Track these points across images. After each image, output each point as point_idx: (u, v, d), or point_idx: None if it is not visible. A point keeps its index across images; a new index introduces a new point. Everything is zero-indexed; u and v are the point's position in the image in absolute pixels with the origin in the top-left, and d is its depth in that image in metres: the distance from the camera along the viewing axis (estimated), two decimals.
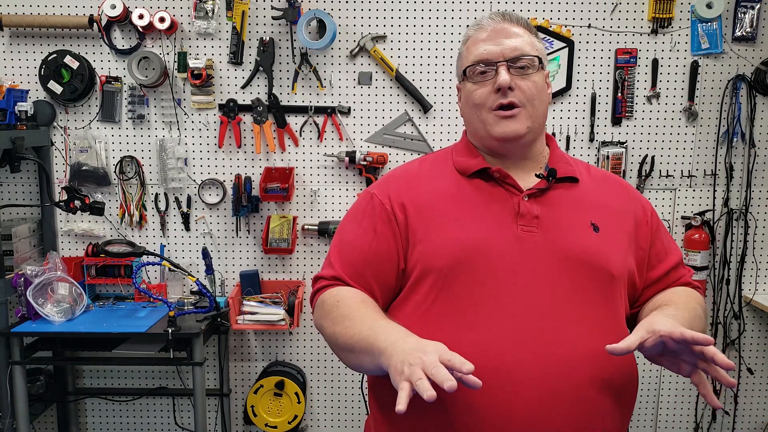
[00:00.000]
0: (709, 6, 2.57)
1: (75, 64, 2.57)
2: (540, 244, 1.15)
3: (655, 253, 1.24)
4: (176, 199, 2.72)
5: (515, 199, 1.18)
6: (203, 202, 2.72)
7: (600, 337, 1.11)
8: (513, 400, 1.07)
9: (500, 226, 1.16)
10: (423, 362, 0.89)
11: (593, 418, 1.10)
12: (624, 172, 2.69)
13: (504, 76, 1.16)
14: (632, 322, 1.23)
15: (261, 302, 2.60)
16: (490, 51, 1.18)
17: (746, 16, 2.61)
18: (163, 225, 2.73)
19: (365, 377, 1.55)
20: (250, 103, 2.62)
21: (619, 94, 2.66)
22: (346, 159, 2.64)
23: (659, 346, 1.01)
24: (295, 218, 2.70)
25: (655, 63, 2.64)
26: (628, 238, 1.21)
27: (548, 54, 2.61)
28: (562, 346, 1.09)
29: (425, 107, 2.66)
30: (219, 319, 2.51)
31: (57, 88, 2.58)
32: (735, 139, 2.69)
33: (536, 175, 1.21)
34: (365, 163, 2.64)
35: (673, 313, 1.10)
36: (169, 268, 2.52)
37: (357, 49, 2.62)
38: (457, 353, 0.98)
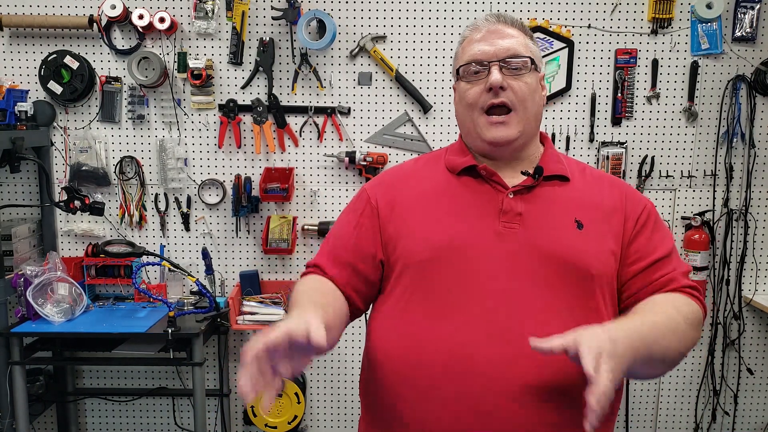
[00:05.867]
0: (709, 6, 2.57)
1: (75, 65, 2.57)
2: (521, 241, 1.16)
3: (636, 249, 1.21)
4: (176, 199, 2.72)
5: (500, 196, 1.20)
6: (203, 202, 2.72)
7: None
8: (484, 393, 1.09)
9: (482, 222, 1.18)
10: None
11: (566, 415, 1.10)
12: (624, 172, 2.69)
13: (496, 75, 1.17)
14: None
15: (261, 302, 2.60)
16: (484, 51, 1.20)
17: (746, 16, 2.61)
18: (162, 225, 2.73)
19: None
20: (250, 103, 2.62)
21: (619, 95, 2.66)
22: (346, 159, 2.64)
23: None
24: (294, 218, 2.70)
25: (655, 63, 2.64)
26: (614, 237, 1.21)
27: (548, 54, 2.61)
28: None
29: (425, 107, 2.66)
30: (219, 320, 2.51)
31: (57, 89, 2.58)
32: (735, 140, 2.69)
33: (522, 172, 1.23)
34: (365, 163, 2.64)
35: (636, 322, 1.06)
36: (169, 269, 2.53)
37: (357, 50, 2.62)
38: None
